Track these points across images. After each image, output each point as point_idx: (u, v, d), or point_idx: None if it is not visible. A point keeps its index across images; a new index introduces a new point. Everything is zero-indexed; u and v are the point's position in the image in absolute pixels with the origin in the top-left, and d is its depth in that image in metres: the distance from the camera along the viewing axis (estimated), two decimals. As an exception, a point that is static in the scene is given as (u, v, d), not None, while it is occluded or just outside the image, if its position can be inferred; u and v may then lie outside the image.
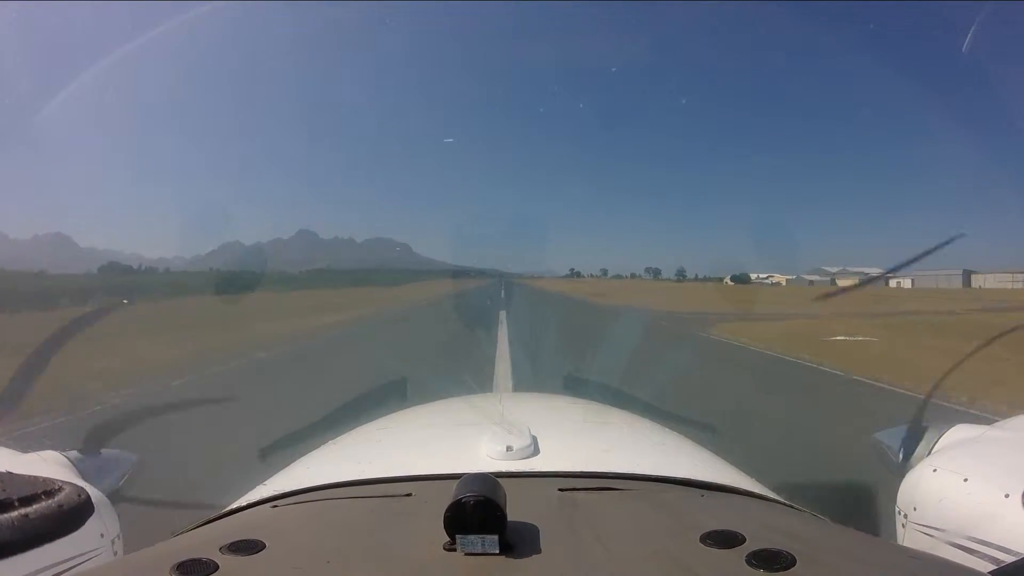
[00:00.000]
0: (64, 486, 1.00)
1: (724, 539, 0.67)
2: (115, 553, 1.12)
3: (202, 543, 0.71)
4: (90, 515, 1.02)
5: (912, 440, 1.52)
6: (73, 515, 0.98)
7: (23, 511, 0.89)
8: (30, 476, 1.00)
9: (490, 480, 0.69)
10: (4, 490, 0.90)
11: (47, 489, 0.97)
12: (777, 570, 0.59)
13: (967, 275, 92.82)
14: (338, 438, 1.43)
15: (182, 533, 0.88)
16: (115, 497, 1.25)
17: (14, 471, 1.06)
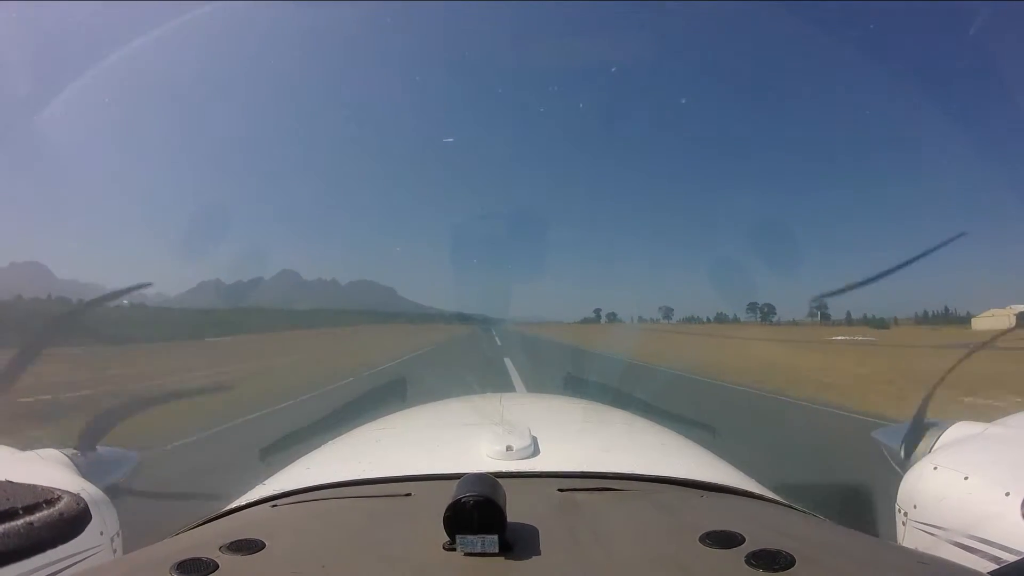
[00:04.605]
0: (63, 495, 1.02)
1: (724, 539, 0.67)
2: (115, 551, 1.12)
3: (202, 542, 0.71)
4: (89, 521, 1.04)
5: (912, 438, 1.52)
6: (73, 522, 1.00)
7: (27, 519, 0.91)
8: (30, 485, 1.02)
9: (490, 480, 0.69)
10: (8, 499, 0.92)
11: (48, 498, 0.99)
12: (776, 570, 0.59)
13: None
14: (338, 438, 1.43)
15: (182, 532, 0.88)
16: (114, 495, 1.26)
17: (14, 469, 1.08)
